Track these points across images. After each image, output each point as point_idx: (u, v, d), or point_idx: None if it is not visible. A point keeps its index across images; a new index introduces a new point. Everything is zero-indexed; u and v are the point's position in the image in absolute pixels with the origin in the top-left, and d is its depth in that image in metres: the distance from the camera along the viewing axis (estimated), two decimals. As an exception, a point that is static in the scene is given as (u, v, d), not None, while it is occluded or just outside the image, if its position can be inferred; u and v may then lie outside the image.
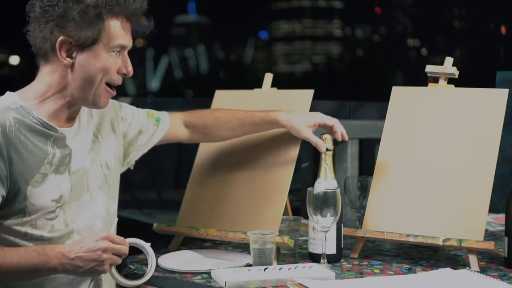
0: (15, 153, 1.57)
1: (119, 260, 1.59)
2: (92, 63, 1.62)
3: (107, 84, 1.67)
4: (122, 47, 1.66)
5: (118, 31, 1.64)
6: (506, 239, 1.80)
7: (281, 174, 1.98)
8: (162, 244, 2.11)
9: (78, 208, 1.69)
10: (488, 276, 1.65)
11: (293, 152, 1.99)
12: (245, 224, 1.94)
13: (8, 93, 1.66)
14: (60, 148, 1.66)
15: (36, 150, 1.61)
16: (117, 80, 1.68)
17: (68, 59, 1.62)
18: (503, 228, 1.90)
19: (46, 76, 1.66)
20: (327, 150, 1.81)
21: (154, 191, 4.99)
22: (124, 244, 1.59)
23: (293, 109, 2.06)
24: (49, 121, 1.65)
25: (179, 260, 1.86)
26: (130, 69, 1.68)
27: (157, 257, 1.89)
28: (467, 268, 1.73)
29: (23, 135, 1.59)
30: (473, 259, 1.76)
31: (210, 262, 1.85)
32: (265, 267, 1.68)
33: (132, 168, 1.97)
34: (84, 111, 1.77)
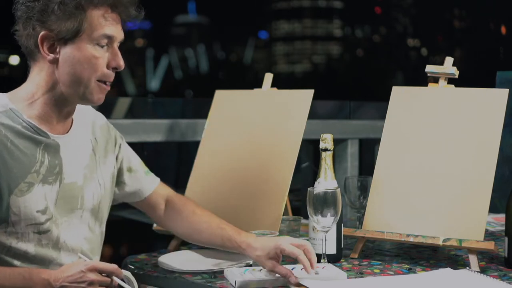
0: (0, 161, 1.50)
1: None
2: (76, 57, 1.55)
3: (100, 80, 1.59)
4: (109, 38, 1.58)
5: (102, 22, 1.56)
6: (506, 239, 1.80)
7: (281, 174, 1.98)
8: (162, 244, 2.11)
9: (69, 225, 1.62)
10: (488, 276, 1.65)
11: (293, 152, 1.99)
12: (245, 224, 1.94)
13: None
14: (50, 156, 1.58)
15: (23, 157, 1.54)
16: (109, 75, 1.60)
17: (52, 54, 1.56)
18: (503, 228, 1.90)
19: (36, 75, 1.59)
20: (327, 150, 1.81)
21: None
22: (114, 273, 1.49)
23: (293, 110, 2.07)
24: (40, 125, 1.57)
25: (179, 260, 1.86)
26: (121, 62, 1.60)
27: (157, 257, 1.90)
28: (467, 268, 1.73)
29: (9, 141, 1.52)
30: (473, 259, 1.76)
31: (210, 262, 1.85)
32: None
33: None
34: (83, 121, 1.71)
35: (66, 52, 1.55)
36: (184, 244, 2.10)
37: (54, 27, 1.53)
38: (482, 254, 1.87)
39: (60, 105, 1.60)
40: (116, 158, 1.80)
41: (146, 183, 1.87)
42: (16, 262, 1.55)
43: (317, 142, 1.83)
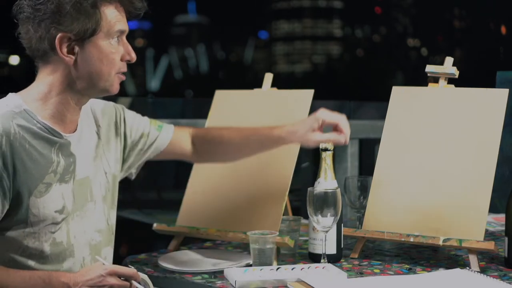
0: (19, 163, 1.51)
1: None
2: (96, 56, 1.57)
3: (118, 73, 1.62)
4: (121, 32, 1.61)
5: (115, 17, 1.58)
6: (506, 239, 1.80)
7: (281, 174, 1.98)
8: (162, 244, 2.11)
9: (81, 219, 1.64)
10: (488, 276, 1.65)
11: (293, 152, 1.99)
12: (245, 224, 1.94)
13: (10, 95, 1.60)
14: (64, 156, 1.60)
15: (40, 158, 1.55)
16: (123, 68, 1.63)
17: (70, 55, 1.56)
18: (503, 228, 1.90)
19: (47, 76, 1.59)
20: (327, 150, 1.81)
21: (154, 191, 5.00)
22: (133, 277, 1.51)
23: (293, 110, 2.06)
24: (53, 125, 1.58)
25: (179, 260, 1.86)
26: (133, 54, 1.63)
27: (157, 257, 1.90)
28: (467, 268, 1.73)
29: (27, 142, 1.53)
30: (473, 259, 1.76)
31: (210, 262, 1.85)
32: (277, 267, 1.68)
33: (132, 177, 1.91)
34: (85, 114, 1.71)
35: (84, 52, 1.57)
36: (184, 244, 2.10)
37: (71, 28, 1.53)
38: (482, 254, 1.87)
39: (76, 101, 1.62)
40: (124, 134, 1.81)
41: (161, 138, 1.89)
42: (30, 262, 1.57)
43: (317, 142, 1.83)
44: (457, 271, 1.70)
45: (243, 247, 2.03)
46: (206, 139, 1.94)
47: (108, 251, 1.72)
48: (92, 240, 1.67)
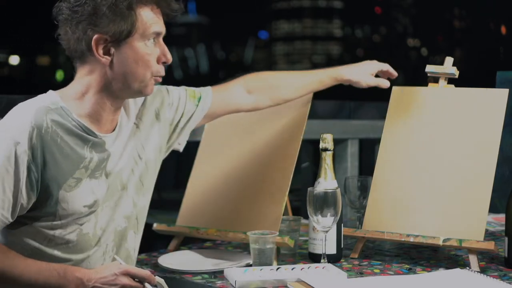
0: (50, 156, 1.53)
1: None
2: (131, 57, 1.58)
3: (154, 75, 1.64)
4: (157, 34, 1.62)
5: (151, 19, 1.60)
6: (506, 239, 1.80)
7: (281, 174, 1.98)
8: (162, 244, 2.11)
9: (111, 209, 1.66)
10: (488, 276, 1.65)
11: (293, 152, 1.99)
12: (245, 224, 1.94)
13: (50, 92, 1.62)
14: (98, 152, 1.62)
15: (72, 153, 1.57)
16: (160, 70, 1.64)
17: (106, 56, 1.57)
18: (503, 228, 1.90)
19: (85, 76, 1.61)
20: (327, 150, 1.81)
21: (154, 191, 5.00)
22: (146, 279, 1.53)
23: (294, 110, 2.07)
24: (89, 125, 1.61)
25: (179, 260, 1.86)
26: (169, 56, 1.65)
27: (157, 257, 1.90)
28: (467, 268, 1.74)
29: (59, 137, 1.55)
30: (473, 259, 1.76)
31: (210, 262, 1.85)
32: (277, 267, 1.68)
33: (180, 150, 1.93)
34: (125, 108, 1.72)
35: (120, 53, 1.59)
36: (184, 244, 2.10)
37: (107, 29, 1.55)
38: (482, 254, 1.87)
39: (111, 101, 1.63)
40: (168, 120, 1.83)
41: (197, 113, 1.89)
42: (56, 252, 1.60)
43: (317, 142, 1.83)
44: (457, 271, 1.70)
45: (243, 247, 2.03)
46: (264, 87, 1.98)
47: (132, 236, 1.74)
48: (118, 227, 1.69)
